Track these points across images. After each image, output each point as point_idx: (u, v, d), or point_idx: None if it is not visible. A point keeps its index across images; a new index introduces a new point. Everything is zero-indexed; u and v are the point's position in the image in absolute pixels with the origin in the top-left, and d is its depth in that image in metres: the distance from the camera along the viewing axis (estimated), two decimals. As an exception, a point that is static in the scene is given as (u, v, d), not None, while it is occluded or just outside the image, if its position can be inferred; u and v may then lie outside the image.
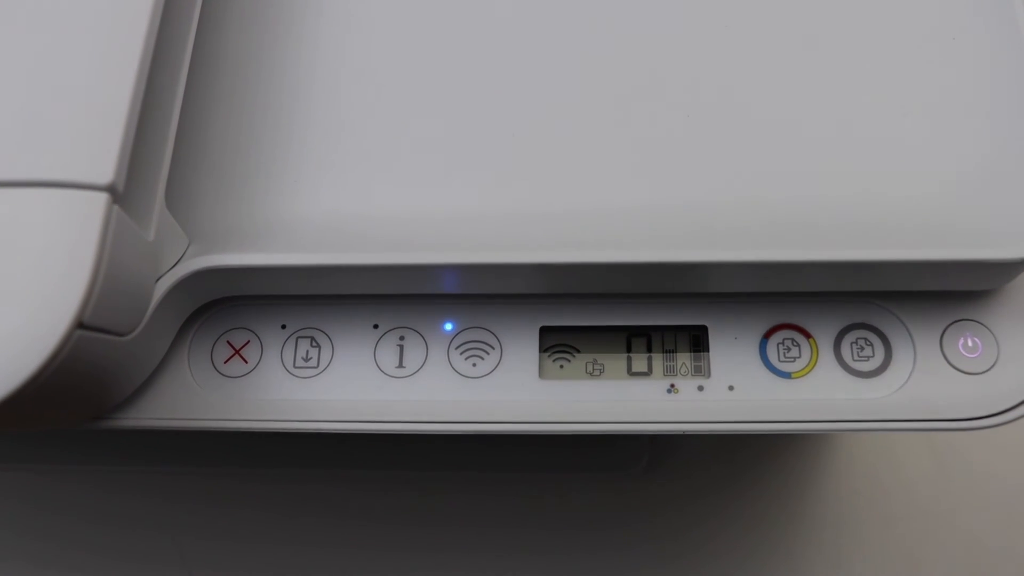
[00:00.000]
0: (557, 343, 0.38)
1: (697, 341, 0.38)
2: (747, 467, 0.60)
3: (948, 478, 0.59)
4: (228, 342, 0.38)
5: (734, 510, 0.59)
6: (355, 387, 0.38)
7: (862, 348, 0.37)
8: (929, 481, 0.59)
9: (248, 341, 0.38)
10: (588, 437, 0.59)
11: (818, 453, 0.61)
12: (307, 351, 0.38)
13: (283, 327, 0.39)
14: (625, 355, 0.38)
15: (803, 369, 0.37)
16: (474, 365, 0.38)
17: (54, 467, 0.61)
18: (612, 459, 0.60)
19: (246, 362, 0.38)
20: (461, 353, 0.38)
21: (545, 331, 0.38)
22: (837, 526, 0.58)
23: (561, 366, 0.38)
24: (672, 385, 0.37)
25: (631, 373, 0.38)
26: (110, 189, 0.30)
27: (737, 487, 0.59)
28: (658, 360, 0.38)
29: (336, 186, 0.38)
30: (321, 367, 0.38)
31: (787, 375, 0.37)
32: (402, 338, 0.38)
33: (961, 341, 0.37)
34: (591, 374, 0.38)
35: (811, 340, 0.37)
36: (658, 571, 0.57)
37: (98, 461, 0.61)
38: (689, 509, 0.59)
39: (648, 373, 0.37)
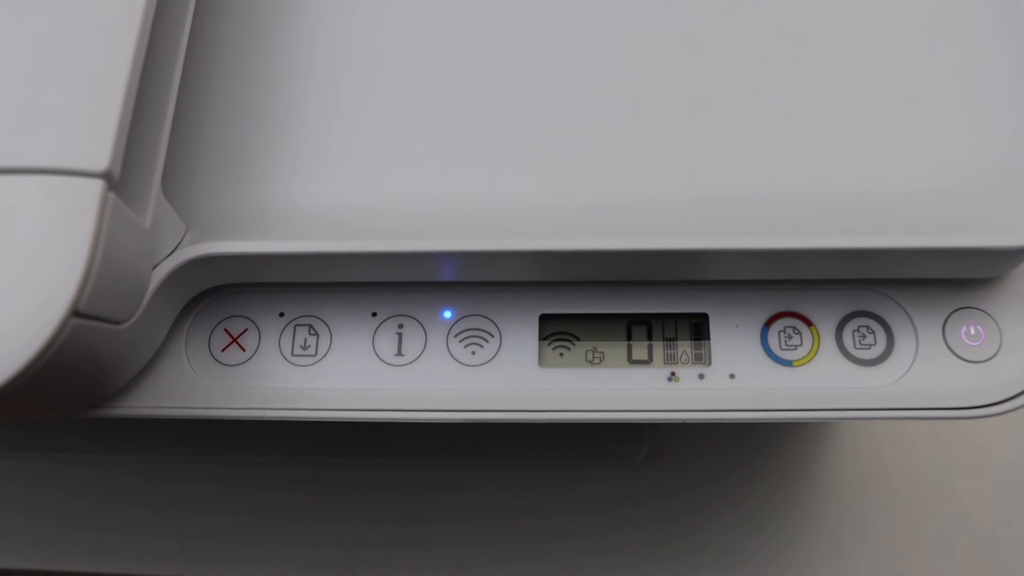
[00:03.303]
0: (557, 331, 0.38)
1: (698, 329, 0.37)
2: (747, 456, 0.60)
3: (950, 467, 0.59)
4: (226, 330, 0.38)
5: (734, 500, 0.59)
6: (354, 375, 0.37)
7: (864, 336, 0.37)
8: (931, 470, 0.59)
9: (246, 329, 0.38)
10: (587, 427, 0.59)
11: (819, 442, 0.61)
12: (305, 339, 0.38)
13: (281, 315, 0.38)
14: (625, 343, 0.38)
15: (805, 357, 0.37)
16: (473, 353, 0.38)
17: (55, 455, 0.61)
18: (611, 449, 0.60)
19: (244, 350, 0.38)
20: (460, 341, 0.38)
21: (545, 319, 0.38)
22: (838, 515, 0.58)
23: (561, 354, 0.38)
24: (673, 373, 0.37)
25: (631, 361, 0.37)
26: (106, 176, 0.30)
27: (737, 477, 0.59)
28: (659, 348, 0.37)
29: (334, 173, 0.37)
30: (319, 355, 0.38)
31: (788, 363, 0.37)
32: (401, 326, 0.38)
33: (964, 329, 0.37)
34: (591, 362, 0.37)
35: (813, 328, 0.37)
36: (658, 561, 0.57)
37: (98, 449, 0.61)
38: (689, 499, 0.59)
39: (648, 361, 0.37)
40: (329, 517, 0.59)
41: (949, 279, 0.37)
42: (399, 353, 0.38)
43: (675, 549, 0.58)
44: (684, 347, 0.37)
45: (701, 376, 0.37)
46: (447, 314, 0.38)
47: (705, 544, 0.58)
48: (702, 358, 0.37)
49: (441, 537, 0.58)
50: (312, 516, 0.59)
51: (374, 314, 0.38)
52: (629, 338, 0.38)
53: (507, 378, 0.37)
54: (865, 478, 0.59)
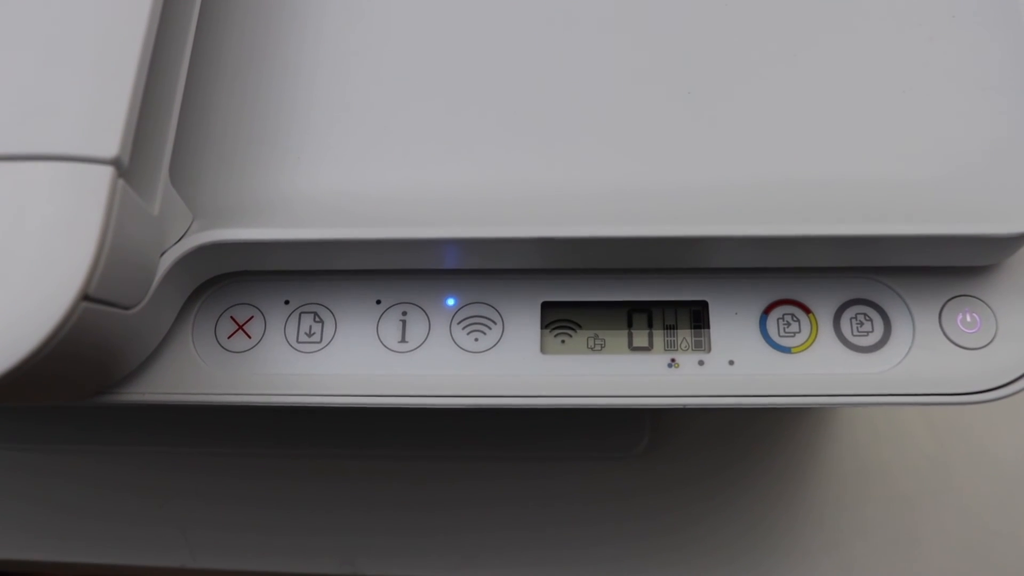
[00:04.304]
0: (559, 318, 0.38)
1: (698, 316, 0.38)
2: (747, 449, 0.60)
3: (947, 457, 0.60)
4: (232, 317, 0.39)
5: (734, 491, 0.59)
6: (358, 362, 0.38)
7: (861, 323, 0.37)
8: (928, 460, 0.59)
9: (251, 316, 0.39)
10: (588, 418, 0.59)
11: (818, 435, 0.61)
12: (310, 326, 0.38)
13: (286, 302, 0.39)
14: (626, 330, 0.38)
15: (803, 344, 0.37)
16: (476, 340, 0.38)
17: (58, 447, 0.61)
18: (612, 441, 0.60)
19: (249, 337, 0.38)
20: (463, 328, 0.38)
21: (547, 306, 0.38)
22: (837, 507, 0.59)
23: (563, 341, 0.38)
24: (673, 360, 0.37)
25: (632, 348, 0.38)
26: (115, 163, 0.31)
27: (737, 469, 0.60)
28: (659, 335, 0.38)
29: (340, 162, 0.38)
30: (324, 342, 0.38)
31: (787, 350, 0.37)
32: (404, 313, 0.38)
33: (960, 316, 0.37)
34: (592, 349, 0.38)
35: (811, 315, 0.38)
36: (658, 552, 0.58)
37: (101, 441, 0.61)
38: (689, 490, 0.59)
39: (649, 348, 0.38)
40: (331, 507, 0.59)
41: (946, 267, 0.37)
42: (403, 340, 0.38)
43: (675, 540, 0.58)
44: (684, 334, 0.38)
45: (701, 363, 0.37)
46: (450, 301, 0.38)
47: (705, 535, 0.58)
48: (702, 345, 0.38)
49: (441, 526, 0.58)
50: (314, 506, 0.59)
51: (378, 301, 0.39)
52: (630, 325, 0.38)
53: (509, 364, 0.38)
54: (864, 471, 0.60)
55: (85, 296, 0.29)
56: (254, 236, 0.35)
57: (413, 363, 0.38)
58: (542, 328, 0.38)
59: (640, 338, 0.38)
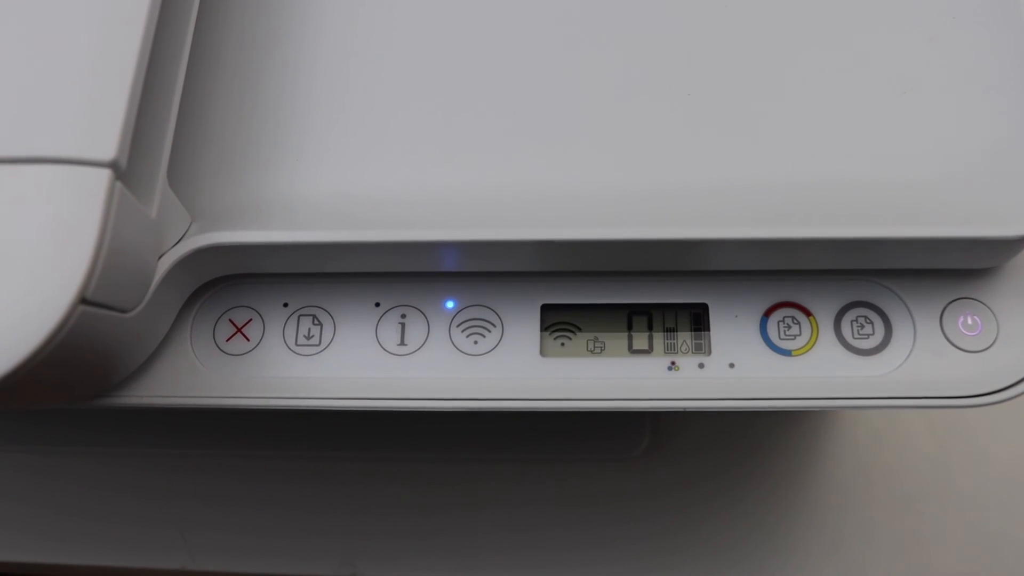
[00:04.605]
0: (558, 321, 0.38)
1: (698, 319, 0.38)
2: (747, 451, 0.60)
3: (949, 457, 0.59)
4: (230, 320, 0.39)
5: (734, 494, 0.59)
6: (357, 365, 0.38)
7: (862, 326, 0.37)
8: (930, 461, 0.59)
9: (250, 319, 0.39)
10: (588, 420, 0.59)
11: (819, 437, 0.61)
12: (309, 329, 0.38)
13: (285, 305, 0.39)
14: (626, 333, 0.38)
15: (803, 347, 0.37)
16: (475, 343, 0.38)
17: (57, 449, 0.61)
18: (612, 444, 0.60)
19: (248, 340, 0.38)
20: (463, 331, 0.38)
21: (546, 309, 0.38)
22: (838, 508, 0.59)
23: (562, 344, 0.38)
24: (673, 363, 0.37)
25: (632, 351, 0.38)
26: (113, 166, 0.30)
27: (738, 471, 0.60)
28: (659, 338, 0.38)
29: (338, 164, 0.38)
30: (323, 345, 0.38)
31: (787, 353, 0.37)
32: (404, 316, 0.38)
33: (961, 319, 0.37)
34: (592, 352, 0.38)
35: (811, 318, 0.37)
36: (658, 556, 0.58)
37: (100, 443, 0.61)
38: (690, 493, 0.59)
39: (649, 351, 0.38)
40: (330, 509, 0.59)
41: (947, 269, 0.37)
42: (402, 343, 0.38)
43: (676, 542, 0.58)
44: (684, 337, 0.38)
45: (701, 365, 0.37)
46: (449, 304, 0.38)
47: (706, 538, 0.58)
48: (702, 348, 0.37)
49: (441, 529, 0.58)
50: (313, 508, 0.59)
51: (377, 304, 0.39)
52: (630, 328, 0.38)
53: (509, 367, 0.37)
54: (866, 472, 0.59)
55: (82, 299, 0.29)
56: (252, 239, 0.35)
57: (412, 366, 0.38)
58: (542, 331, 0.38)
59: (640, 341, 0.38)
